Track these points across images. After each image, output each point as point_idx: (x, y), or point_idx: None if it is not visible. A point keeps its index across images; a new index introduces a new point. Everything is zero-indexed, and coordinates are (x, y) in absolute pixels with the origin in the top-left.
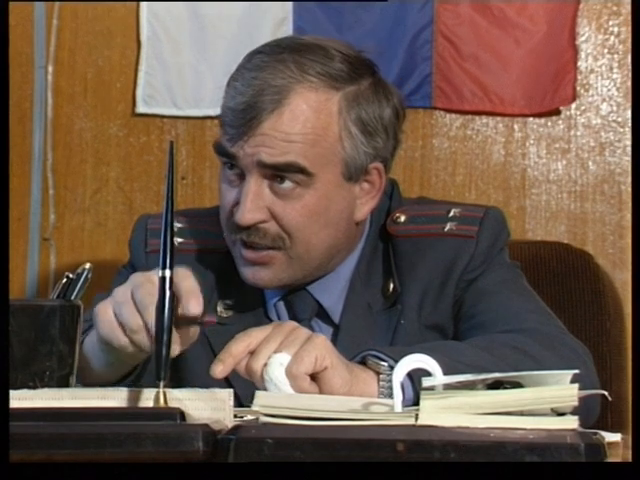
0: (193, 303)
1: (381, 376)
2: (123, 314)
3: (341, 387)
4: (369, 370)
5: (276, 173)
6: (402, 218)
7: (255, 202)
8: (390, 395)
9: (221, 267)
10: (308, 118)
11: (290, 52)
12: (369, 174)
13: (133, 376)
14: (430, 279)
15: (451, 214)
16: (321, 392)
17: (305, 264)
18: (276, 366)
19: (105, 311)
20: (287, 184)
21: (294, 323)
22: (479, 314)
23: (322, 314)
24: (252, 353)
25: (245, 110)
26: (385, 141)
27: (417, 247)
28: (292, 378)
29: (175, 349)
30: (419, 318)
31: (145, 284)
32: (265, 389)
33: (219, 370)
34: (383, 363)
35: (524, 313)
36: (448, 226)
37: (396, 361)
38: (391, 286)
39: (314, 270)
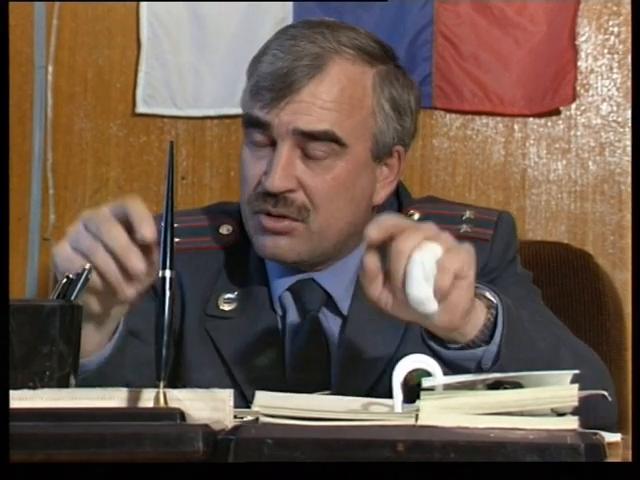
0: (146, 228)
1: (491, 310)
2: (80, 243)
3: (467, 303)
4: (479, 300)
5: (309, 142)
6: (416, 216)
7: (286, 170)
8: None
9: (221, 262)
10: (345, 88)
11: (326, 27)
12: (391, 157)
13: (116, 340)
14: None
15: (466, 216)
16: (447, 305)
17: (324, 239)
18: (430, 254)
19: (62, 248)
20: (319, 154)
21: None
22: None
23: (330, 305)
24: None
25: (286, 74)
26: (410, 123)
27: None
28: (443, 271)
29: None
30: None
31: (95, 215)
32: (404, 272)
33: (376, 231)
34: (493, 298)
35: (551, 322)
36: (463, 228)
37: (502, 303)
38: None
39: (331, 248)
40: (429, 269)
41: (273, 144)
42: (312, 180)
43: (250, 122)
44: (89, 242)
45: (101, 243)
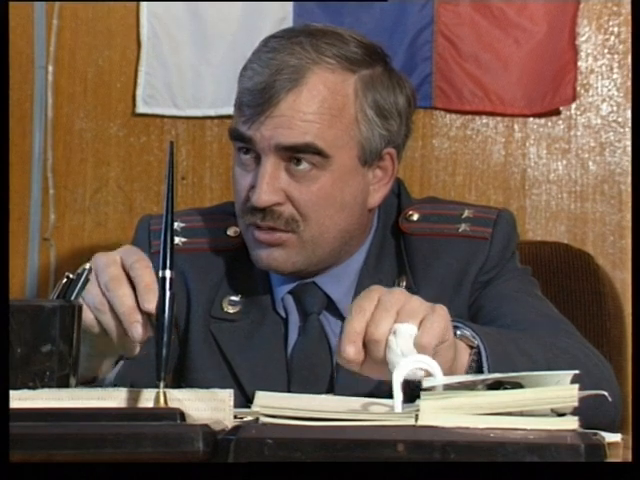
0: (150, 302)
1: (473, 350)
2: (89, 294)
3: (451, 360)
4: (461, 342)
5: (293, 155)
6: (415, 216)
7: (271, 184)
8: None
9: (226, 264)
10: (325, 98)
11: (306, 36)
12: (382, 160)
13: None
14: (444, 279)
15: (464, 215)
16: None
17: (318, 248)
18: (406, 337)
19: None
20: (303, 166)
21: (400, 289)
22: (502, 317)
23: (331, 308)
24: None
25: (264, 89)
26: (399, 126)
27: (432, 246)
28: (423, 350)
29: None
30: None
31: (109, 267)
32: (385, 359)
33: (353, 352)
34: (474, 340)
35: (553, 316)
36: (462, 227)
37: (483, 342)
38: (404, 283)
39: (327, 255)
40: (407, 351)
41: (258, 158)
42: (298, 192)
43: (235, 136)
44: (98, 298)
45: (108, 303)
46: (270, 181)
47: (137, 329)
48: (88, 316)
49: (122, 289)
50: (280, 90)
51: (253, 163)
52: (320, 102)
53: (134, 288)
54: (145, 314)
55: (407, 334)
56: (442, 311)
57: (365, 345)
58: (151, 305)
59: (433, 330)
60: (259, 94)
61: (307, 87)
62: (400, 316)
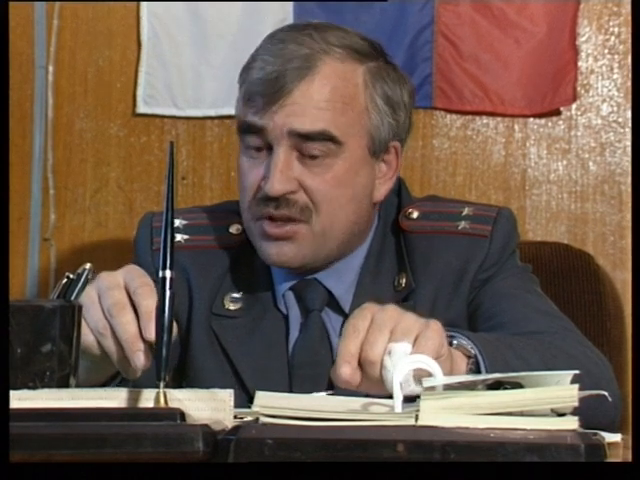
0: (151, 328)
1: (470, 360)
2: (91, 317)
3: (448, 373)
4: (458, 351)
5: (305, 143)
6: (415, 214)
7: (285, 172)
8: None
9: (228, 262)
10: (337, 87)
11: (313, 28)
12: (388, 153)
13: (118, 379)
14: (444, 277)
15: (464, 213)
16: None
17: (328, 240)
18: (400, 356)
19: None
20: (316, 154)
21: (394, 306)
22: (500, 314)
23: (332, 304)
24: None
25: (276, 78)
26: (405, 118)
27: (431, 244)
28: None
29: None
30: (432, 315)
31: (112, 289)
32: (382, 378)
33: (349, 374)
34: (471, 349)
35: (552, 313)
36: (462, 225)
37: (480, 351)
38: (403, 281)
39: (334, 249)
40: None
41: (269, 148)
42: (312, 180)
43: (245, 128)
44: (101, 323)
45: (110, 329)
46: (283, 169)
47: (139, 358)
48: (89, 338)
49: (125, 316)
50: (293, 79)
51: (264, 154)
52: (332, 90)
53: (137, 312)
54: (147, 342)
55: (402, 353)
56: (436, 326)
57: (360, 365)
58: (153, 335)
59: (428, 347)
60: (271, 83)
61: (319, 75)
62: (394, 335)
